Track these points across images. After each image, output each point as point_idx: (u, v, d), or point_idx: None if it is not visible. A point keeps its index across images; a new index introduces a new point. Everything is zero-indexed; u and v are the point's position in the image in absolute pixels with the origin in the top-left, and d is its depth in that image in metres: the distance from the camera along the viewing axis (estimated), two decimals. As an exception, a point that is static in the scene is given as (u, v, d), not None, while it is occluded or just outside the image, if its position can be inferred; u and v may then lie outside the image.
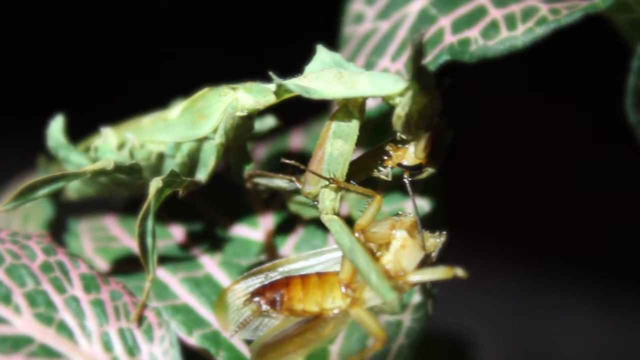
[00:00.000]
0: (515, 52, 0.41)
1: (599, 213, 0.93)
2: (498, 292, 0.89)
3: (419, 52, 0.34)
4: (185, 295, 0.43)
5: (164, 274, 0.44)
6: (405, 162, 0.38)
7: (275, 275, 0.39)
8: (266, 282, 0.39)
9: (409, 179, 0.38)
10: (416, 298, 0.42)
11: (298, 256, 0.40)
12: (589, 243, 0.92)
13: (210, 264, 0.44)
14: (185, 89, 0.44)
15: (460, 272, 0.36)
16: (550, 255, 0.92)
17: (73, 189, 0.47)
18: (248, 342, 0.41)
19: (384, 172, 0.39)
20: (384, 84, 0.37)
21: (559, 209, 0.94)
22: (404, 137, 0.37)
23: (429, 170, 0.39)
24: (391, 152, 0.38)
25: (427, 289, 0.41)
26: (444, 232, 0.38)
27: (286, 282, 0.38)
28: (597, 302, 0.90)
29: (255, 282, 0.39)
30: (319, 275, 0.38)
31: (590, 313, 0.89)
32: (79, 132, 0.46)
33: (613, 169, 0.92)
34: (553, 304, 0.90)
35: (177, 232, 0.46)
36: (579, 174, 0.94)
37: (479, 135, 0.85)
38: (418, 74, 0.34)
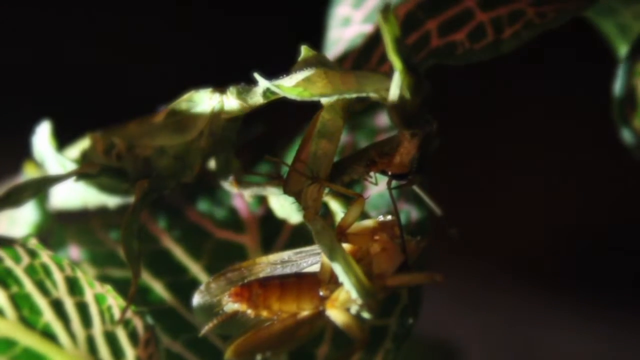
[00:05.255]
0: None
1: (595, 224, 0.93)
2: (488, 300, 0.89)
3: (389, 20, 0.33)
4: (171, 300, 0.43)
5: (149, 278, 0.44)
6: (390, 171, 0.38)
7: (254, 273, 0.39)
8: (244, 280, 0.39)
9: (392, 185, 0.38)
10: (403, 302, 0.42)
11: (278, 255, 0.40)
12: (582, 255, 0.92)
13: (195, 268, 0.44)
14: (176, 92, 0.44)
15: (437, 277, 0.36)
16: (542, 265, 0.92)
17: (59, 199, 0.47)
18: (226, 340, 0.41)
19: (368, 176, 0.39)
20: (370, 81, 0.37)
21: (555, 217, 0.94)
22: (405, 132, 0.37)
23: (413, 179, 0.38)
24: (376, 159, 0.38)
25: (413, 294, 0.41)
26: (425, 237, 0.38)
27: (264, 281, 0.38)
28: (590, 315, 0.89)
29: (233, 278, 0.39)
30: (298, 275, 0.38)
31: (583, 325, 0.89)
32: (67, 137, 0.46)
33: (610, 179, 0.92)
34: (545, 312, 0.90)
35: (163, 237, 0.46)
36: (577, 182, 0.94)
37: (473, 138, 0.85)
38: (395, 46, 0.34)
